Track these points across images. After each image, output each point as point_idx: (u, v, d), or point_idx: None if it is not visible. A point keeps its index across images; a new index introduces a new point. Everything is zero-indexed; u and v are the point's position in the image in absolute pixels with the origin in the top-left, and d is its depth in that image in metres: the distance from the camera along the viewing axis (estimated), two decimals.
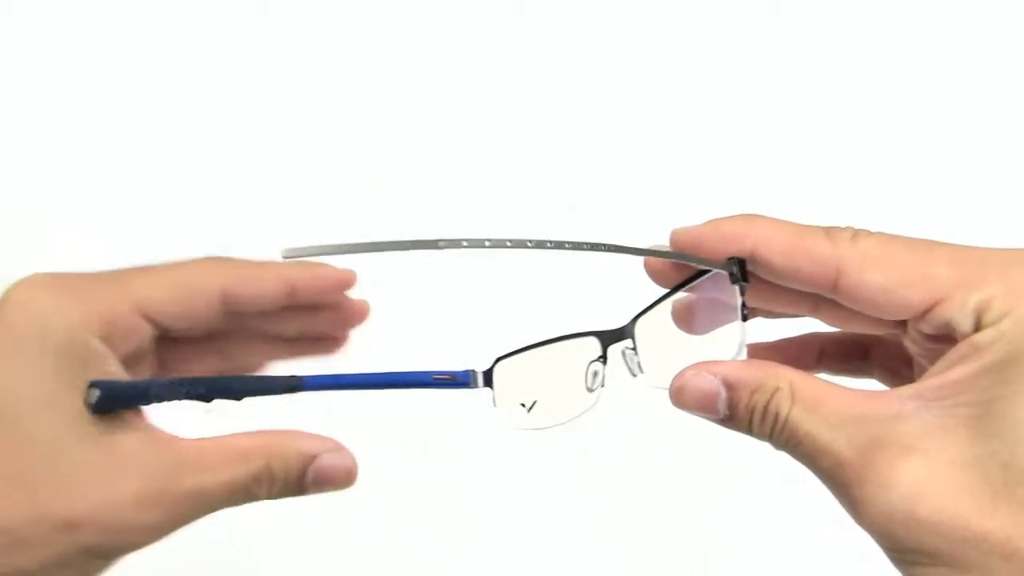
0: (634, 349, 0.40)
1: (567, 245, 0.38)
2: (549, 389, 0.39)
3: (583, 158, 0.80)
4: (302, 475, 0.40)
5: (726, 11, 0.82)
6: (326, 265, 0.44)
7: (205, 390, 0.38)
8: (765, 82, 0.81)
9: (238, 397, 0.38)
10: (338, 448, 0.41)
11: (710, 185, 0.79)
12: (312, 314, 0.46)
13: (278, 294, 0.43)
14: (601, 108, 0.81)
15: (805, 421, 0.37)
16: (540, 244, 0.38)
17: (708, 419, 0.39)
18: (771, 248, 0.39)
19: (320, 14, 0.81)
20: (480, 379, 0.38)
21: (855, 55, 0.81)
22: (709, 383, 0.38)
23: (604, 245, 0.39)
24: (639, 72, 0.81)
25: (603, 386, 0.40)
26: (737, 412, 0.38)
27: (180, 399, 0.38)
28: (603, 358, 0.40)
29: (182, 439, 0.39)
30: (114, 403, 0.37)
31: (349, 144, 0.80)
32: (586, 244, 0.39)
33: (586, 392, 0.40)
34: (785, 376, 0.38)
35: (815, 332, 0.46)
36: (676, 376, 0.39)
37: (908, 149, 0.80)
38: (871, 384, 0.44)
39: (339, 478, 0.41)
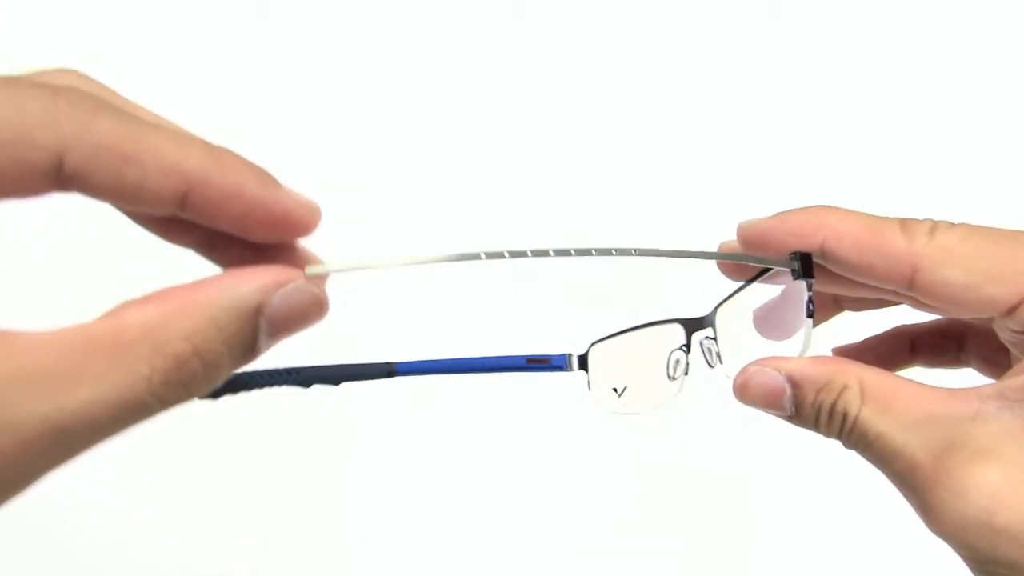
0: (714, 338, 0.40)
1: (634, 251, 0.37)
2: (637, 375, 0.40)
3: (584, 158, 0.81)
4: (254, 336, 0.28)
5: (726, 11, 0.82)
6: (264, 174, 0.29)
7: (304, 378, 0.38)
8: (765, 82, 0.82)
9: (336, 383, 0.39)
10: (288, 272, 0.28)
11: (711, 185, 0.80)
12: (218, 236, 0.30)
13: (161, 192, 0.27)
14: (602, 108, 0.81)
15: (877, 422, 0.36)
16: (604, 252, 0.36)
17: (775, 415, 0.38)
18: (842, 244, 0.37)
19: (320, 14, 0.81)
20: (575, 363, 0.39)
21: (855, 54, 0.82)
22: (773, 380, 0.37)
23: (657, 251, 0.37)
24: (640, 72, 0.82)
25: (686, 375, 0.40)
26: (803, 410, 0.37)
27: (280, 386, 0.38)
28: (686, 346, 0.40)
29: (19, 334, 0.25)
30: (219, 392, 0.37)
31: (349, 145, 0.80)
32: (635, 250, 0.37)
33: (667, 380, 0.40)
34: (854, 373, 0.36)
35: (904, 325, 0.44)
36: (740, 371, 0.38)
37: (909, 146, 0.81)
38: (966, 376, 0.43)
39: (307, 313, 0.29)
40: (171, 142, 0.27)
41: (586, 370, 0.39)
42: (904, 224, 0.37)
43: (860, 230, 0.37)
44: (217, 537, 0.76)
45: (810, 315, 0.39)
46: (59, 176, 0.26)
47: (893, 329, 0.44)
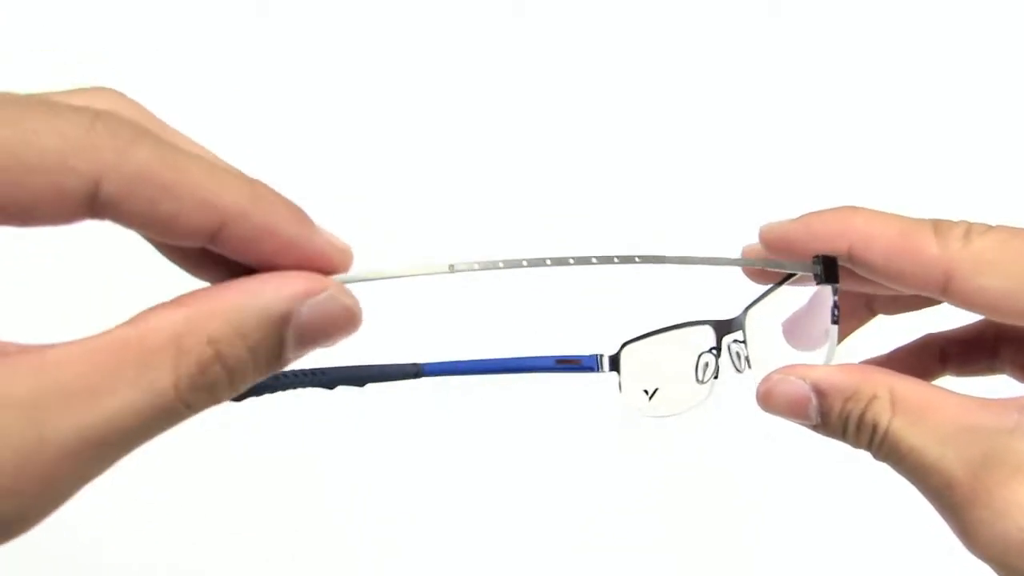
0: (743, 342, 0.39)
1: (637, 259, 0.35)
2: (667, 377, 0.39)
3: (586, 159, 0.80)
4: (279, 344, 0.28)
5: (726, 11, 0.81)
6: (299, 213, 0.28)
7: (329, 379, 0.38)
8: (765, 83, 0.81)
9: (361, 384, 0.38)
10: (319, 281, 0.28)
11: (711, 186, 0.79)
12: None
13: (194, 225, 0.27)
14: (602, 109, 0.80)
15: (909, 434, 0.34)
16: (606, 260, 0.34)
17: (801, 425, 0.37)
18: (870, 249, 0.35)
19: (320, 15, 0.80)
20: (607, 364, 0.38)
21: (855, 55, 0.81)
22: (798, 388, 0.36)
23: (661, 257, 0.36)
24: (640, 72, 0.81)
25: (715, 378, 0.39)
26: (829, 421, 0.35)
27: (306, 387, 0.38)
28: (716, 349, 0.39)
29: (48, 348, 0.26)
30: (244, 394, 0.37)
31: (348, 146, 0.79)
32: (638, 257, 0.35)
33: (696, 384, 0.39)
34: (884, 382, 0.35)
35: (932, 333, 0.42)
36: (763, 379, 0.36)
37: (907, 148, 0.80)
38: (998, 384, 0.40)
39: (338, 325, 0.28)
40: (209, 175, 0.27)
41: (618, 371, 0.38)
42: (937, 227, 0.35)
43: (890, 234, 0.35)
44: (226, 540, 0.75)
45: (835, 321, 0.37)
46: (93, 204, 0.26)
47: (921, 338, 0.42)
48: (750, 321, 0.40)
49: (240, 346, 0.27)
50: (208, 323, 0.27)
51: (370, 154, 0.79)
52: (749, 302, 0.40)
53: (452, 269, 0.32)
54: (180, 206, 0.26)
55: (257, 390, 0.37)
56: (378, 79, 0.80)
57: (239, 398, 0.36)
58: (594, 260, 0.34)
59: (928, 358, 0.42)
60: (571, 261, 0.33)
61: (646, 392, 0.39)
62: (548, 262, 0.33)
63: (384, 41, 0.80)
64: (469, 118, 0.80)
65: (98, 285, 0.75)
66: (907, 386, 0.35)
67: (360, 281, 0.30)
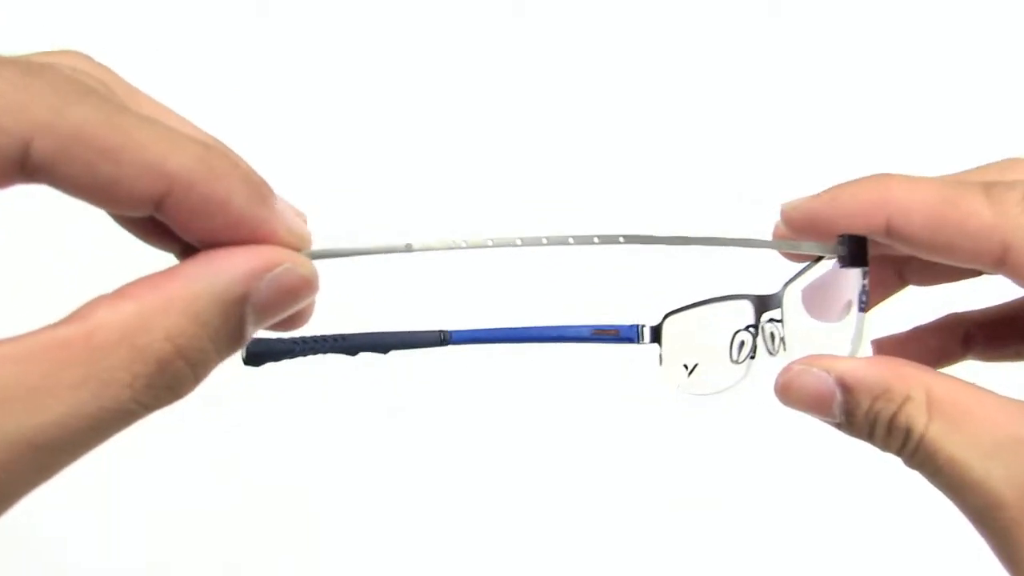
0: (780, 321, 0.36)
1: (621, 239, 0.32)
2: (705, 353, 0.36)
3: (583, 159, 0.79)
4: (240, 325, 0.26)
5: (726, 11, 0.80)
6: (258, 188, 0.26)
7: (351, 345, 0.36)
8: (764, 83, 0.80)
9: (385, 351, 0.36)
10: (274, 254, 0.26)
11: (711, 185, 0.78)
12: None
13: (135, 191, 0.24)
14: (602, 108, 0.79)
15: (948, 443, 0.30)
16: (585, 240, 0.32)
17: (824, 422, 0.33)
18: (911, 221, 0.31)
19: (320, 14, 0.79)
20: (647, 335, 0.36)
21: (855, 55, 0.80)
22: (821, 382, 0.31)
23: (651, 237, 0.32)
24: (640, 72, 0.80)
25: (752, 358, 0.36)
26: (855, 420, 0.31)
27: (327, 353, 0.35)
28: (754, 327, 0.36)
29: None
30: (262, 358, 0.34)
31: (348, 145, 0.78)
32: (623, 237, 0.32)
33: (732, 363, 0.36)
34: (920, 381, 0.30)
35: (957, 313, 0.38)
36: (783, 369, 0.32)
37: (906, 149, 0.78)
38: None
39: (297, 297, 0.27)
40: (158, 138, 0.24)
41: (659, 343, 0.36)
42: (989, 191, 0.31)
43: (934, 202, 0.31)
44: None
45: (863, 308, 0.33)
46: (25, 165, 0.24)
47: (944, 317, 0.38)
48: (788, 298, 0.36)
49: (201, 336, 0.25)
50: (163, 317, 0.24)
51: (368, 154, 0.78)
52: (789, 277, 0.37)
53: (409, 248, 0.30)
54: (120, 170, 0.24)
55: (276, 356, 0.35)
56: (378, 78, 0.79)
57: (258, 363, 0.34)
58: (571, 240, 0.31)
59: (950, 340, 0.38)
60: (544, 241, 0.31)
61: (686, 367, 0.37)
62: (518, 242, 0.31)
63: (385, 40, 0.79)
64: (473, 117, 0.79)
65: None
66: (947, 386, 0.30)
67: (318, 258, 0.28)
